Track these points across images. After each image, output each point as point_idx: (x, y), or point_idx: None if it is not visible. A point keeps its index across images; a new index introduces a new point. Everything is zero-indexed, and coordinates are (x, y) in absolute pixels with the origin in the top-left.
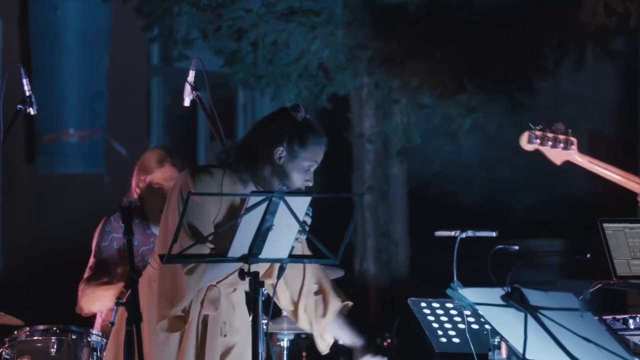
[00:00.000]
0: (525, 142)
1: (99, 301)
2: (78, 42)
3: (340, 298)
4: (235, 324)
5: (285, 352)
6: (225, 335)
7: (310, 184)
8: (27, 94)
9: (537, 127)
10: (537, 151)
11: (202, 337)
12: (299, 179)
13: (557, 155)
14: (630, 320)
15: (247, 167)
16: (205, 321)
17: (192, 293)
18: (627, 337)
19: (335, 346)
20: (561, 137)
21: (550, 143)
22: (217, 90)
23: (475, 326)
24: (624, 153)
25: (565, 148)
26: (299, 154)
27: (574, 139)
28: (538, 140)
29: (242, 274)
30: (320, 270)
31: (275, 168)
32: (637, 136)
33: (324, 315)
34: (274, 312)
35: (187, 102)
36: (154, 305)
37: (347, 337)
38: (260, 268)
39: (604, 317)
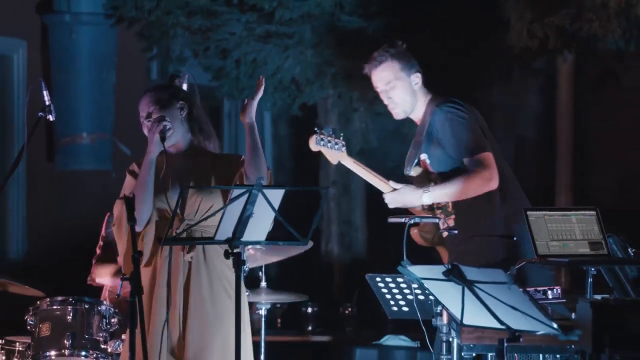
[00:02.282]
0: (313, 144)
1: (101, 276)
2: (89, 61)
3: None
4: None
5: (263, 319)
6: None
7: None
8: (47, 103)
9: (322, 131)
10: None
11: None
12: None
13: (333, 155)
14: (549, 292)
15: None
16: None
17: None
18: (546, 305)
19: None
20: (337, 140)
21: (329, 145)
22: (205, 101)
23: (421, 297)
24: (544, 155)
25: (339, 150)
26: None
27: (344, 143)
28: (322, 142)
29: (226, 254)
30: None
31: None
32: (555, 140)
33: None
34: (253, 285)
35: None
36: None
37: None
38: None
39: (527, 289)
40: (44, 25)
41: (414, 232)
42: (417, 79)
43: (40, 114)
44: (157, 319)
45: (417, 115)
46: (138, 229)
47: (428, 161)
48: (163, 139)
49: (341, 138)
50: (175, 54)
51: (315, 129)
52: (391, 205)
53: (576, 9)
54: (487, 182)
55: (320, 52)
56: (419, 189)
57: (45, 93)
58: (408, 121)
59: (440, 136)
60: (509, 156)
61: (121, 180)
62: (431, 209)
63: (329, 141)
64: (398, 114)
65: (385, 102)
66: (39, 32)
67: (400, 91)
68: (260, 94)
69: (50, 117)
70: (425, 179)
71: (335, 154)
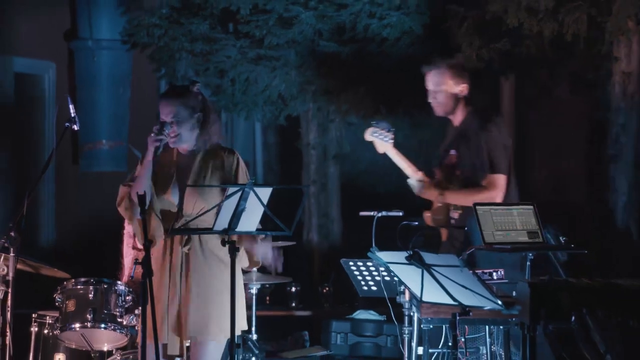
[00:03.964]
0: (368, 134)
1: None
2: (108, 80)
3: None
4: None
5: (254, 297)
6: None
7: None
8: (72, 115)
9: (377, 124)
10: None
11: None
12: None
13: (381, 146)
14: (494, 274)
15: None
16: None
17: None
18: (492, 284)
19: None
20: (387, 134)
21: (381, 137)
22: None
23: (387, 278)
24: None
25: (387, 142)
26: None
27: (392, 136)
28: (375, 134)
29: (223, 242)
30: None
31: None
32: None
33: None
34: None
35: None
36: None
37: None
38: None
39: (476, 271)
40: (70, 50)
41: (427, 215)
42: (463, 90)
43: (67, 124)
44: (160, 302)
45: (456, 119)
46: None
47: (456, 158)
48: (156, 151)
49: (391, 132)
50: (180, 73)
51: (372, 122)
52: (415, 191)
53: (516, 37)
54: (491, 199)
55: (302, 72)
56: (437, 190)
57: (71, 107)
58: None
59: (477, 144)
60: None
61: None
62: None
63: (381, 134)
64: (438, 112)
65: (430, 100)
66: (66, 55)
67: (445, 95)
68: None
69: (75, 127)
70: (448, 178)
71: (384, 145)
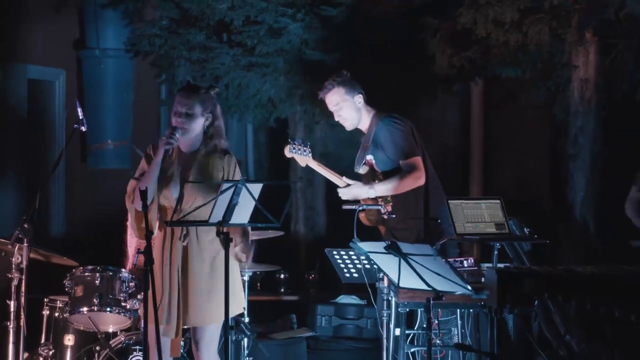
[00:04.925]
0: (287, 152)
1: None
2: (113, 85)
3: None
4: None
5: (246, 284)
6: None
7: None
8: (80, 117)
9: (294, 142)
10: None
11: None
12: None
13: (302, 160)
14: (465, 262)
15: None
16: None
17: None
18: (462, 272)
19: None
20: (304, 148)
21: (299, 152)
22: None
23: (367, 266)
24: (461, 157)
25: (306, 155)
26: None
27: (310, 150)
28: (294, 150)
29: (218, 233)
30: None
31: None
32: (469, 146)
33: None
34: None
35: None
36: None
37: None
38: None
39: (449, 260)
40: (79, 58)
41: (362, 215)
42: (359, 99)
43: (76, 125)
44: (159, 291)
45: (364, 126)
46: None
47: (373, 161)
48: (166, 153)
49: (308, 146)
50: (179, 79)
51: (289, 139)
52: (343, 197)
53: (485, 46)
54: (417, 180)
55: (290, 78)
56: (366, 185)
57: (79, 110)
58: (357, 131)
59: (382, 142)
60: (434, 158)
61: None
62: (374, 198)
63: (299, 149)
64: (348, 126)
65: (336, 118)
66: (75, 63)
67: (347, 110)
68: None
69: (83, 128)
70: (371, 176)
71: (304, 158)
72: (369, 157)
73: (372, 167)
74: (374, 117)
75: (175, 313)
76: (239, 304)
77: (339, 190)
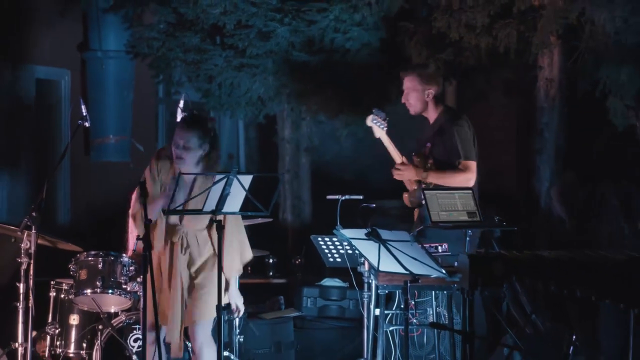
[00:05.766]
0: (369, 121)
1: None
2: (115, 84)
3: None
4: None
5: None
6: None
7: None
8: (84, 114)
9: (377, 114)
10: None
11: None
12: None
13: (377, 131)
14: (439, 247)
15: None
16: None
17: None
18: (437, 256)
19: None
20: (383, 122)
21: (378, 124)
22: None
23: (350, 251)
24: None
25: (383, 128)
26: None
27: (386, 125)
28: (374, 121)
29: (211, 221)
30: None
31: None
32: None
33: None
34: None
35: (179, 118)
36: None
37: None
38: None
39: (424, 245)
40: (82, 59)
41: (405, 196)
42: (430, 93)
43: (80, 121)
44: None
45: (430, 116)
46: (152, 218)
47: (431, 149)
48: (171, 197)
49: (386, 120)
50: (175, 79)
51: (373, 110)
52: (397, 178)
53: (458, 49)
54: (468, 181)
55: (278, 78)
56: (421, 170)
57: (83, 107)
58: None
59: (448, 137)
60: (411, 151)
61: (137, 168)
62: (419, 182)
63: (379, 121)
64: (411, 111)
65: (403, 100)
66: (79, 64)
67: (414, 97)
68: None
69: (87, 124)
70: (423, 163)
71: (380, 130)
72: (429, 144)
73: (427, 155)
74: (442, 112)
75: (178, 317)
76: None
77: (394, 171)
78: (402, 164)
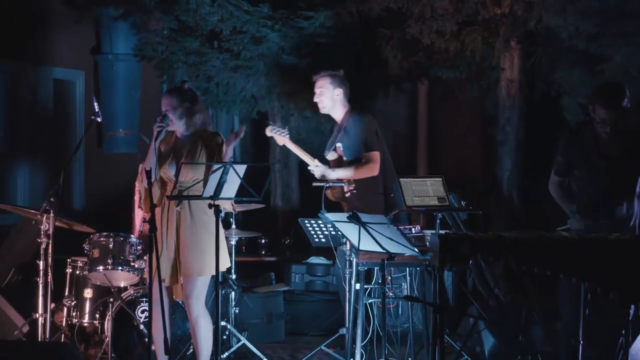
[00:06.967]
0: (268, 132)
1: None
2: (124, 84)
3: None
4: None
5: (233, 247)
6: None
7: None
8: (97, 110)
9: (274, 124)
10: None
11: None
12: None
13: (280, 139)
14: (413, 229)
15: None
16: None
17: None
18: (411, 237)
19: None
20: (282, 130)
21: (278, 133)
22: None
23: (333, 232)
24: (410, 143)
25: (285, 136)
26: None
27: (288, 132)
28: (274, 131)
29: (210, 206)
30: None
31: None
32: (417, 134)
33: None
34: (227, 226)
35: None
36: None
37: None
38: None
39: (400, 227)
40: (95, 62)
41: (328, 192)
42: (339, 93)
43: (93, 117)
44: (162, 251)
45: (337, 116)
46: (146, 168)
47: (342, 149)
48: (159, 133)
49: (286, 128)
50: (177, 79)
51: (269, 122)
52: (315, 174)
53: (429, 52)
54: (371, 171)
55: (269, 79)
56: (329, 169)
57: (95, 104)
58: (324, 121)
59: (351, 133)
60: (389, 144)
61: (144, 160)
62: (340, 180)
63: (278, 130)
64: (321, 109)
65: (315, 99)
66: (92, 65)
67: (325, 96)
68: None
69: (99, 119)
70: (338, 163)
71: (282, 138)
72: (339, 145)
73: (341, 155)
74: (347, 112)
75: (170, 265)
76: (224, 262)
77: (310, 168)
78: (317, 166)
